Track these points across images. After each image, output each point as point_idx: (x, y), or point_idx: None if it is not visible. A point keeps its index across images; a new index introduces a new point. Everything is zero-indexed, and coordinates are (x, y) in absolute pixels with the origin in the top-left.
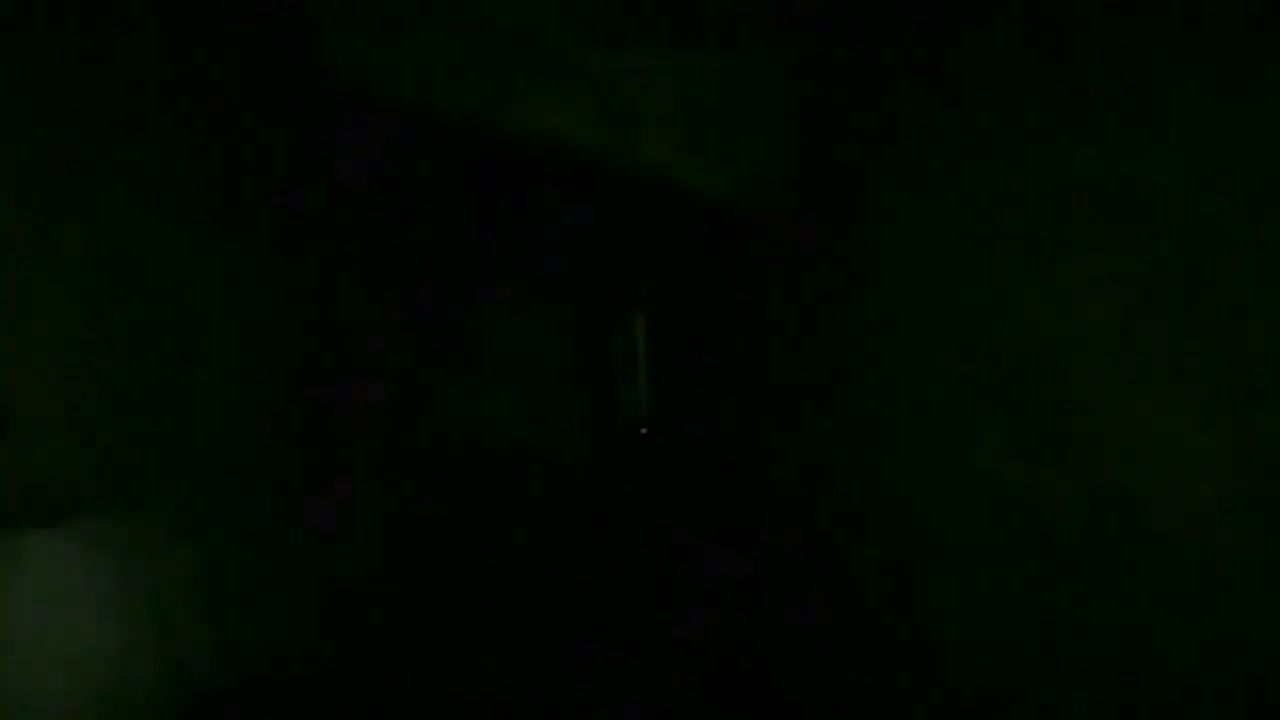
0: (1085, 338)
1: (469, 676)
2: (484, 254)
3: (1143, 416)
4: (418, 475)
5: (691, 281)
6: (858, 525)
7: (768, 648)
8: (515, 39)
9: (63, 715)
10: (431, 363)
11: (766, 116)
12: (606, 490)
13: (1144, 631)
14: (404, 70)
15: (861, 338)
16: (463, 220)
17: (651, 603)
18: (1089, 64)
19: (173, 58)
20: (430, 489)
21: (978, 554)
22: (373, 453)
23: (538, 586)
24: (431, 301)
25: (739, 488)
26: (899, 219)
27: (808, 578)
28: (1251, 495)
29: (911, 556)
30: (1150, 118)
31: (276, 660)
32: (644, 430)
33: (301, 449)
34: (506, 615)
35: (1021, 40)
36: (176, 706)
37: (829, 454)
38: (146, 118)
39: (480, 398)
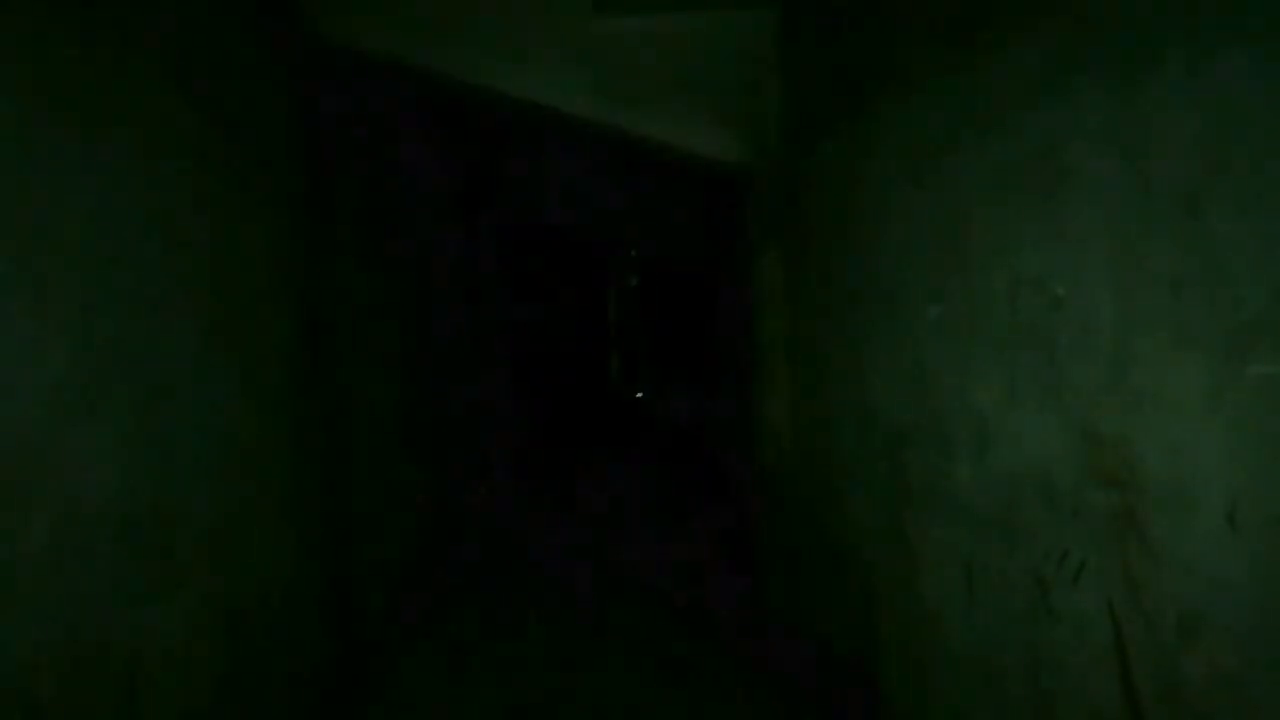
0: (1073, 281)
1: None
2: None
3: (1139, 364)
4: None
5: (685, 249)
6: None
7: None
8: (514, 5)
9: None
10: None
11: (759, 75)
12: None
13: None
14: (399, 37)
15: (862, 294)
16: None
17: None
18: (1087, 23)
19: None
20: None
21: (966, 494)
22: None
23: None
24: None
25: (733, 455)
26: (899, 168)
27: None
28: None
29: (900, 503)
30: (1152, 64)
31: None
32: (639, 396)
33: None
34: None
35: None
36: None
37: (821, 398)
38: None
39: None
